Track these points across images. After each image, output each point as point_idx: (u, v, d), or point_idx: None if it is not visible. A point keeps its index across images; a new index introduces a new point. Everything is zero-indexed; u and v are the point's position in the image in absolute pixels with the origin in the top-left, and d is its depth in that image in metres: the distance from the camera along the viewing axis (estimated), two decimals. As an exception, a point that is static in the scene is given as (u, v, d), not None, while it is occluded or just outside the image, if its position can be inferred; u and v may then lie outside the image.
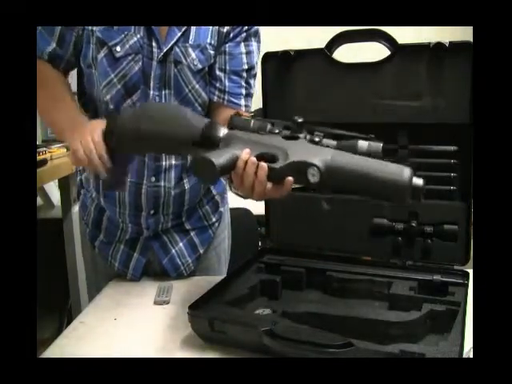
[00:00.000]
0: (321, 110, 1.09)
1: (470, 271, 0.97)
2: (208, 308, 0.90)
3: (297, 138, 0.81)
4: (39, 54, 1.06)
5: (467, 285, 0.96)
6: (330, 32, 1.06)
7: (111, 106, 1.07)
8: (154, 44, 1.05)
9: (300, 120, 0.81)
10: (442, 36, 1.08)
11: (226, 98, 1.12)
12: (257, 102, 1.14)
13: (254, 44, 1.13)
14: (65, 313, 2.20)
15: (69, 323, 1.03)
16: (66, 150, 1.91)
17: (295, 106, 1.10)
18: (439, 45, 0.99)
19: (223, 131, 0.85)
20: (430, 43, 0.99)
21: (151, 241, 1.20)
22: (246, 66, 1.12)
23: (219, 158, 0.77)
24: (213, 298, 0.94)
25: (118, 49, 1.03)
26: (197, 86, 1.09)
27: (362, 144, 0.77)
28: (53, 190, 2.21)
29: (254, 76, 1.16)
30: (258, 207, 1.36)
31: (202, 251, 1.24)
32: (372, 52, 1.09)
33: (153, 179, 1.12)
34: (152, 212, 1.15)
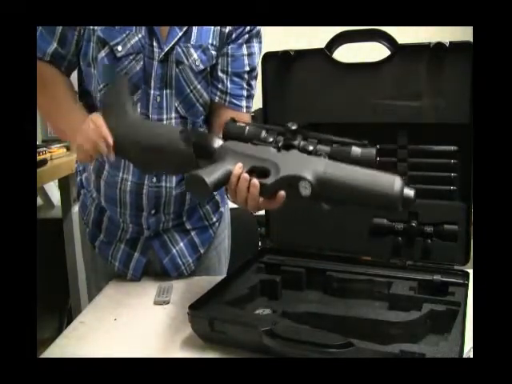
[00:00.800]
0: (321, 110, 1.09)
1: (470, 271, 0.97)
2: (208, 308, 0.90)
3: (290, 147, 0.82)
4: (41, 56, 1.05)
5: (467, 285, 0.96)
6: (330, 32, 1.06)
7: None
8: (154, 44, 1.04)
9: (294, 127, 0.82)
10: (441, 36, 1.08)
11: (228, 99, 1.12)
12: (257, 102, 1.14)
13: (255, 45, 1.13)
14: (65, 313, 2.21)
15: (69, 323, 1.03)
16: (66, 149, 1.92)
17: (295, 105, 1.11)
18: (439, 45, 0.99)
19: (218, 142, 0.87)
20: (430, 43, 1.00)
21: (152, 240, 1.20)
22: (247, 68, 1.12)
23: (211, 175, 0.79)
24: (213, 298, 0.94)
25: (120, 48, 1.03)
26: (198, 87, 1.09)
27: (356, 150, 0.78)
28: (53, 190, 2.21)
29: (256, 77, 1.16)
30: (258, 207, 1.36)
31: (202, 251, 1.24)
32: (372, 52, 1.09)
33: (154, 179, 1.12)
34: (153, 212, 1.15)
